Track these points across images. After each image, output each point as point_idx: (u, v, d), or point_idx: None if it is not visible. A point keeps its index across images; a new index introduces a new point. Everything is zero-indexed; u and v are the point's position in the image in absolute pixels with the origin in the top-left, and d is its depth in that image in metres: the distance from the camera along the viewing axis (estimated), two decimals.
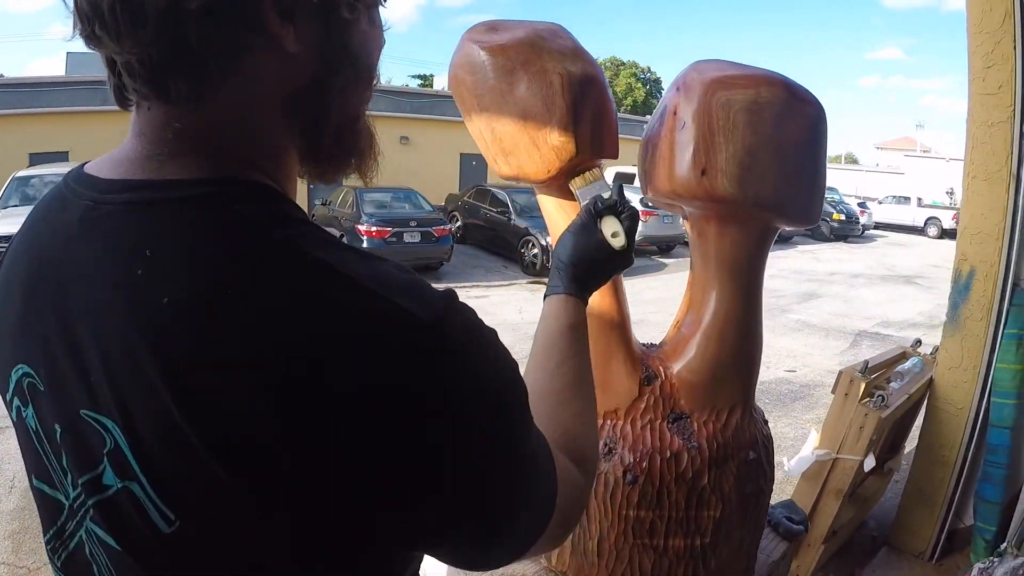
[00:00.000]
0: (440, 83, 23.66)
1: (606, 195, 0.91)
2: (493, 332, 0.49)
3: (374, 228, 9.92)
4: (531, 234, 10.78)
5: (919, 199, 22.75)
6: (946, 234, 20.99)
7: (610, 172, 10.94)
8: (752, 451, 1.34)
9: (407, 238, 10.02)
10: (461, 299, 0.47)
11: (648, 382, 1.35)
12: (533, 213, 11.51)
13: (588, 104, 1.15)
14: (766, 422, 1.46)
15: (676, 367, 1.35)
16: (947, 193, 25.64)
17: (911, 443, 3.28)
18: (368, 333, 0.41)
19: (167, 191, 0.46)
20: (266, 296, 0.41)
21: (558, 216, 1.31)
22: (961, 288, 2.43)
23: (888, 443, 2.94)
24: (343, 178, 0.61)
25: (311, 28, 0.48)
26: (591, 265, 0.81)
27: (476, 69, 1.15)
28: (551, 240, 1.35)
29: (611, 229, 0.84)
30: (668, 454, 1.29)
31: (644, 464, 1.28)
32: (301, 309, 0.41)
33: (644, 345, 1.44)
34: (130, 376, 0.42)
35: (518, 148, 1.18)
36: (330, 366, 0.39)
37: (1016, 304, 2.29)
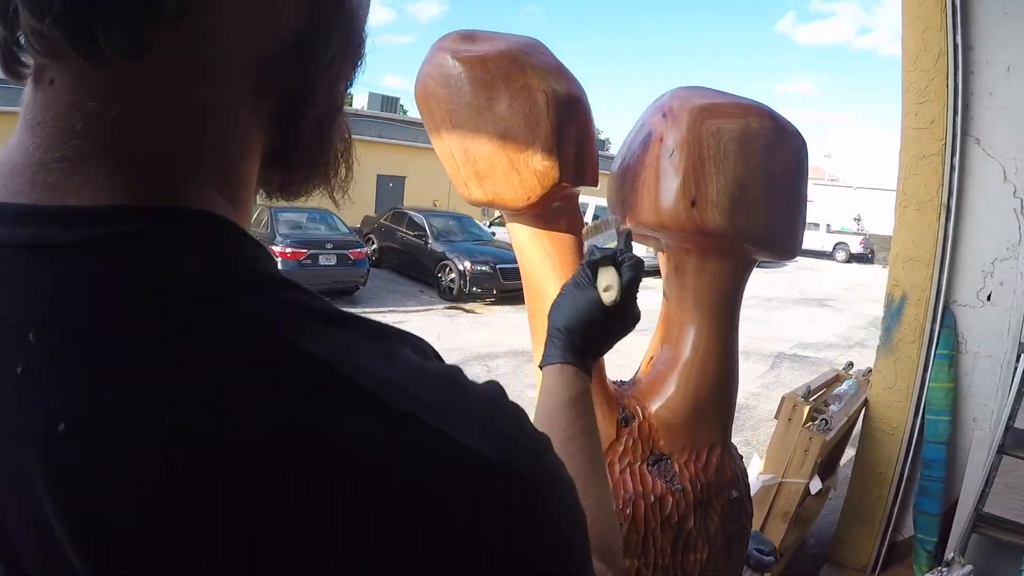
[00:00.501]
0: (360, 103, 23.14)
1: (611, 244, 0.82)
2: (559, 460, 0.37)
3: (289, 249, 9.56)
4: (448, 258, 10.73)
5: (828, 225, 24.17)
6: (854, 258, 22.68)
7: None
8: (735, 489, 1.30)
9: (323, 260, 9.74)
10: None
11: (625, 423, 1.29)
12: (450, 237, 11.55)
13: (573, 126, 1.08)
14: (741, 457, 1.43)
15: (654, 406, 1.29)
16: (855, 220, 27.70)
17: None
18: (409, 466, 0.29)
19: (65, 228, 0.31)
20: (241, 390, 0.28)
21: (532, 247, 1.23)
22: (894, 312, 2.55)
23: (825, 463, 3.03)
24: (308, 194, 0.47)
25: None
26: (587, 327, 0.71)
27: (450, 82, 1.06)
28: (524, 281, 1.27)
29: (605, 283, 0.74)
30: (652, 498, 1.22)
31: (628, 510, 1.21)
32: (308, 428, 0.28)
33: (615, 383, 1.38)
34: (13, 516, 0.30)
35: (495, 171, 1.09)
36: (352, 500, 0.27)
37: (947, 326, 2.43)
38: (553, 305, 0.76)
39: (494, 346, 7.38)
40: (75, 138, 0.32)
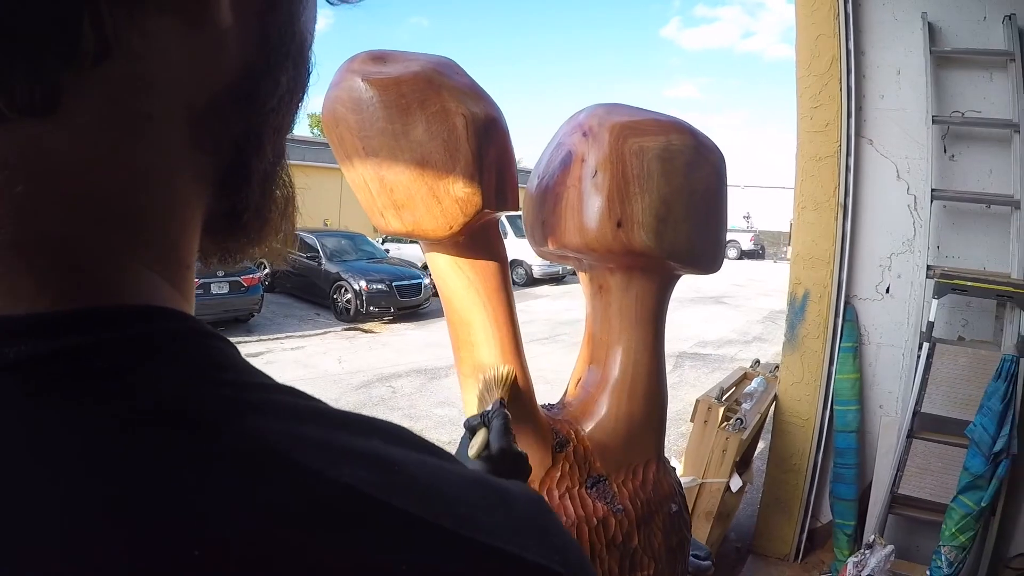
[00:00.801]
0: None
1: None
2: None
3: None
4: (343, 278, 10.63)
5: None
6: (745, 255, 24.37)
7: None
8: (673, 503, 1.34)
9: (215, 289, 9.32)
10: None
11: (560, 448, 1.30)
12: (344, 256, 11.47)
13: (492, 150, 1.08)
14: (674, 469, 1.48)
15: (587, 428, 1.31)
16: (744, 217, 29.68)
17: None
18: None
19: None
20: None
21: (454, 277, 1.22)
22: (797, 310, 2.75)
23: (740, 459, 3.21)
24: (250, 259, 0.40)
25: None
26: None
27: (362, 106, 1.03)
28: (448, 313, 1.25)
29: (474, 446, 0.87)
30: (595, 521, 1.24)
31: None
32: None
33: (544, 407, 1.40)
34: None
35: (414, 200, 1.07)
36: None
37: (849, 320, 2.65)
38: None
39: (396, 366, 7.34)
40: None
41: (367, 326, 9.90)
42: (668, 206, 1.11)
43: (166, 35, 0.27)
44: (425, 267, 11.65)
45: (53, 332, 0.24)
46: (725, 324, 10.50)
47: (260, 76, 0.32)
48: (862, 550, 2.23)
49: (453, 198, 1.05)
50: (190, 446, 0.23)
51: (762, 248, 25.15)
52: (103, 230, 0.27)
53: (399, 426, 0.31)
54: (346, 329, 9.79)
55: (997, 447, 2.16)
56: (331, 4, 0.35)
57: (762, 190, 31.21)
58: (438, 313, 10.44)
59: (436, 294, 11.72)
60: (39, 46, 0.23)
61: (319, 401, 0.29)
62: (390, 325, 9.98)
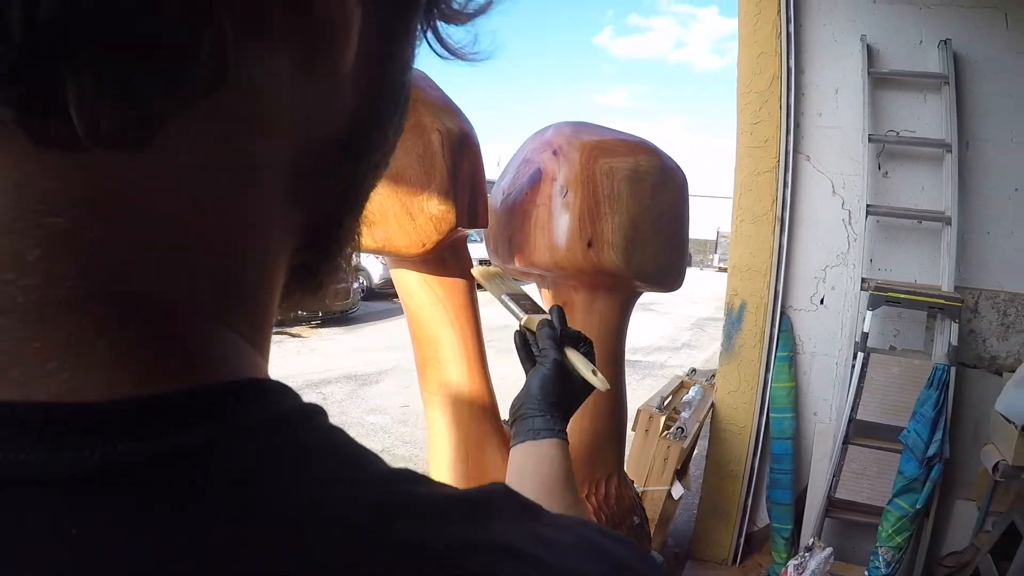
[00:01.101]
0: None
1: (521, 301, 0.98)
2: None
3: None
4: None
5: None
6: None
7: None
8: (635, 516, 1.38)
9: None
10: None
11: None
12: None
13: (466, 166, 1.08)
14: (633, 482, 1.52)
15: None
16: None
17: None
18: None
19: (58, 446, 0.18)
20: None
21: (422, 294, 1.21)
22: (734, 320, 2.86)
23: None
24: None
25: (376, 27, 0.26)
26: (574, 403, 0.87)
27: None
28: (413, 329, 1.23)
29: (584, 366, 0.88)
30: None
31: None
32: None
33: (507, 423, 1.40)
34: None
35: (386, 217, 1.06)
36: None
37: (784, 330, 2.78)
38: (539, 380, 0.85)
39: (326, 371, 7.18)
40: (26, 275, 0.19)
41: (295, 330, 9.63)
42: (636, 227, 1.14)
43: (284, 71, 0.23)
44: (355, 270, 11.43)
45: (149, 426, 0.19)
46: (654, 331, 10.80)
47: (370, 128, 0.29)
48: (801, 553, 2.34)
49: (427, 215, 1.05)
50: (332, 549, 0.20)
51: (689, 256, 26.04)
52: (193, 289, 0.23)
53: (486, 492, 0.28)
54: (274, 334, 9.53)
55: (930, 452, 2.32)
56: (441, 58, 0.32)
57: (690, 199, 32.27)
58: (367, 318, 10.28)
59: (365, 298, 11.36)
60: (141, 61, 0.18)
61: (427, 479, 0.26)
62: (318, 330, 9.76)
